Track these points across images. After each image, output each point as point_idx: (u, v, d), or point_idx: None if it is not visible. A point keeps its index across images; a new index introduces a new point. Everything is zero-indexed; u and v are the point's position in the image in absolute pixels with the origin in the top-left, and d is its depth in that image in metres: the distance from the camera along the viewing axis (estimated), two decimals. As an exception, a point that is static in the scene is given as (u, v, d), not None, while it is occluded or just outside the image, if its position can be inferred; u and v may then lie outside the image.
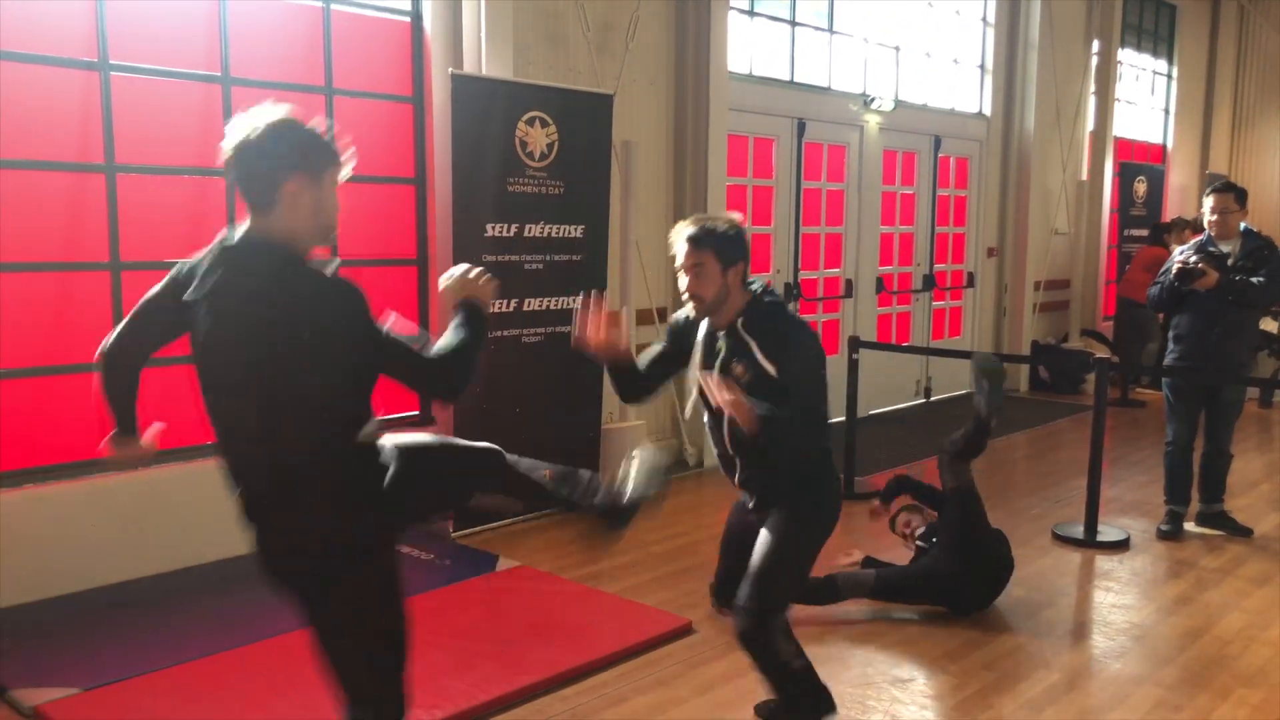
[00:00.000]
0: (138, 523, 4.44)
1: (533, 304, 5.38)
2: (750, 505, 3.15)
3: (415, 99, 5.41)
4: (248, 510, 2.23)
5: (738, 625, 2.97)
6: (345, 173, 2.22)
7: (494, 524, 5.27)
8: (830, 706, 3.07)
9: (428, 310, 5.53)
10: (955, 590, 4.17)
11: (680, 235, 2.98)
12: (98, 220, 4.39)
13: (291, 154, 2.11)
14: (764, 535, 3.01)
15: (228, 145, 2.11)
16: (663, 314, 6.50)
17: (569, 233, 5.50)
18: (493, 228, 5.16)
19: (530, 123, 5.27)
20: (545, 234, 5.39)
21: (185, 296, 2.17)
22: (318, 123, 2.19)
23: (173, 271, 2.26)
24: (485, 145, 5.10)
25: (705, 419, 3.13)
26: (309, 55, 5.00)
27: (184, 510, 4.53)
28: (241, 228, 2.16)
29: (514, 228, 5.25)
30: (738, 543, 3.23)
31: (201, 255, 2.20)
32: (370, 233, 5.32)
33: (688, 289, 2.99)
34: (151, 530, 4.48)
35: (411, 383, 2.33)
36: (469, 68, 5.33)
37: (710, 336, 3.06)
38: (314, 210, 2.14)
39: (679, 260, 2.99)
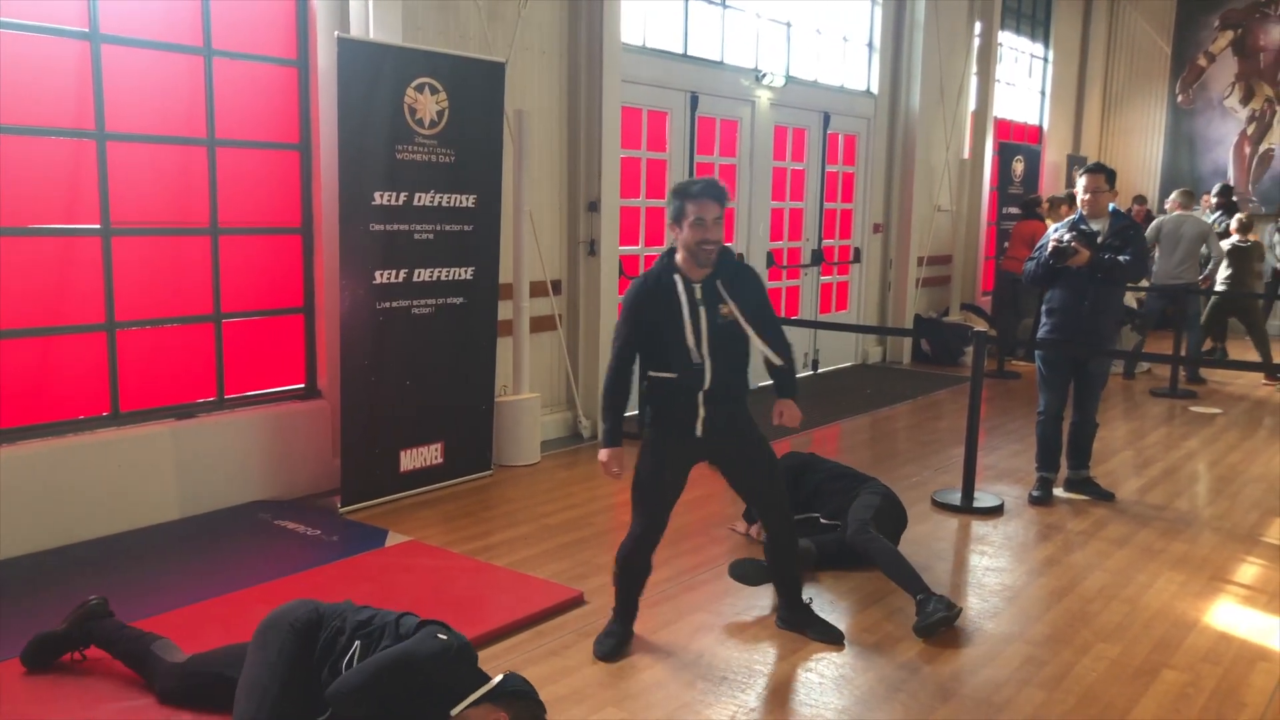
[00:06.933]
0: (7, 502, 4.24)
1: (423, 274, 5.29)
2: (700, 433, 3.54)
3: (300, 63, 5.24)
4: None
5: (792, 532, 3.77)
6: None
7: (383, 499, 5.20)
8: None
9: (312, 278, 5.39)
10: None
11: (706, 193, 3.41)
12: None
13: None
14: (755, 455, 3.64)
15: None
16: (556, 286, 6.46)
17: (460, 202, 5.42)
18: (381, 196, 5.05)
19: (420, 89, 5.16)
20: (436, 203, 5.30)
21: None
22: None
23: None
24: (373, 111, 4.98)
25: (694, 360, 3.49)
26: (187, 14, 4.79)
27: (54, 489, 4.34)
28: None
29: (403, 196, 5.14)
30: (681, 475, 3.64)
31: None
32: (253, 200, 5.15)
33: (717, 239, 3.44)
34: (21, 510, 4.28)
35: None
36: (356, 31, 5.18)
37: (689, 291, 3.50)
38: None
39: (709, 215, 3.40)
